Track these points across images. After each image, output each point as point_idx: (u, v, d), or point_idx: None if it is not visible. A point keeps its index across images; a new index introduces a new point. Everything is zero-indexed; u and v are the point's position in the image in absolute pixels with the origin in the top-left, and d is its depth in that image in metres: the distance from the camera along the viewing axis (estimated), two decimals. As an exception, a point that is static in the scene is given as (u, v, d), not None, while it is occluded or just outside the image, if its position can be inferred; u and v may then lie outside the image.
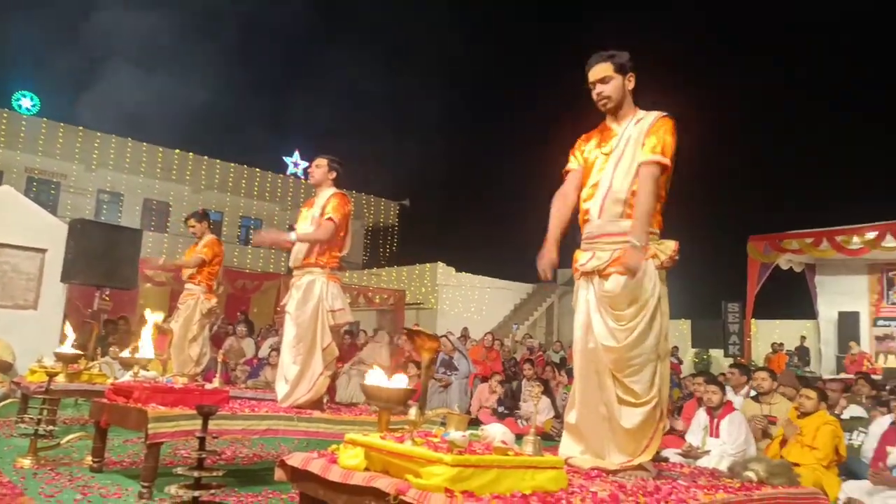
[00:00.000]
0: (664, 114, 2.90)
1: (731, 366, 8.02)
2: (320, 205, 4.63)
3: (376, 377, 2.52)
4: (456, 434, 2.02)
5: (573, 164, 3.10)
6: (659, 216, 2.91)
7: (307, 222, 4.68)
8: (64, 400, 5.99)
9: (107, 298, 8.51)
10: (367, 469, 2.16)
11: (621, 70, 2.93)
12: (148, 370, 4.23)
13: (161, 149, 22.94)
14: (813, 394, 5.20)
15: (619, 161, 2.88)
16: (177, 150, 23.28)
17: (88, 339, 6.65)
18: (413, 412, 2.17)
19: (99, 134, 21.75)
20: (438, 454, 1.95)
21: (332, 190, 4.70)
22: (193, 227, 6.51)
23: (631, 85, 2.95)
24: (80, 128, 21.52)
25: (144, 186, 22.78)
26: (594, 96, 2.97)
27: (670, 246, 2.83)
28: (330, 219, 4.48)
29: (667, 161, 2.81)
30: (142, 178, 22.48)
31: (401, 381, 2.46)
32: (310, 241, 4.51)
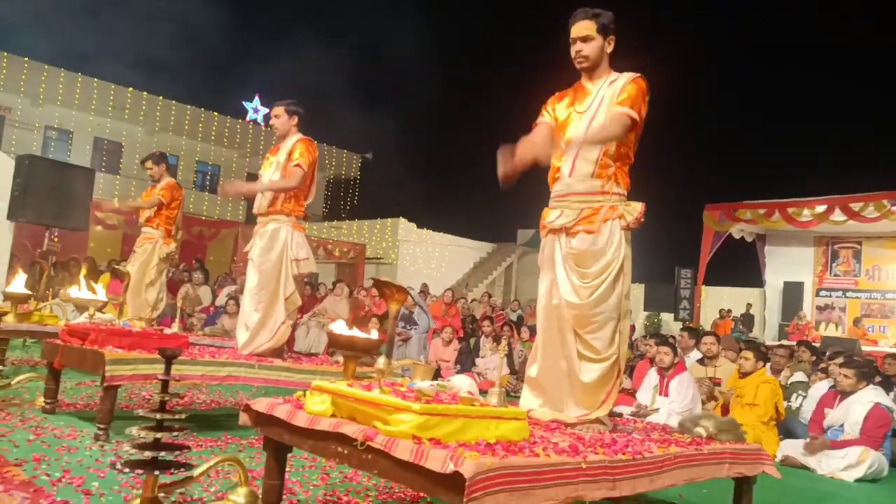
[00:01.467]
0: (638, 74, 2.90)
1: (681, 329, 8.31)
2: (286, 150, 4.52)
3: (343, 327, 2.53)
4: (424, 384, 2.04)
5: (545, 117, 3.07)
6: (626, 177, 2.93)
7: (272, 168, 4.57)
8: (12, 341, 5.82)
9: (56, 240, 8.23)
10: (333, 415, 2.17)
11: (603, 31, 2.90)
12: (104, 313, 4.12)
13: (114, 86, 21.94)
14: (750, 354, 5.45)
15: (592, 121, 2.88)
16: (130, 89, 22.32)
17: (38, 279, 6.43)
18: (381, 361, 2.18)
19: (47, 67, 20.66)
20: (407, 402, 1.97)
21: (298, 135, 4.58)
22: (151, 169, 6.29)
23: (610, 48, 2.93)
24: (26, 59, 20.40)
25: (95, 125, 21.86)
26: (572, 52, 2.94)
27: (637, 207, 2.86)
28: (298, 165, 4.38)
29: (636, 116, 2.80)
30: (92, 115, 21.55)
31: (366, 332, 2.46)
32: (279, 191, 4.42)
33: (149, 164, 6.34)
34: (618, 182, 2.86)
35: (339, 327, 2.52)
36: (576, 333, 2.81)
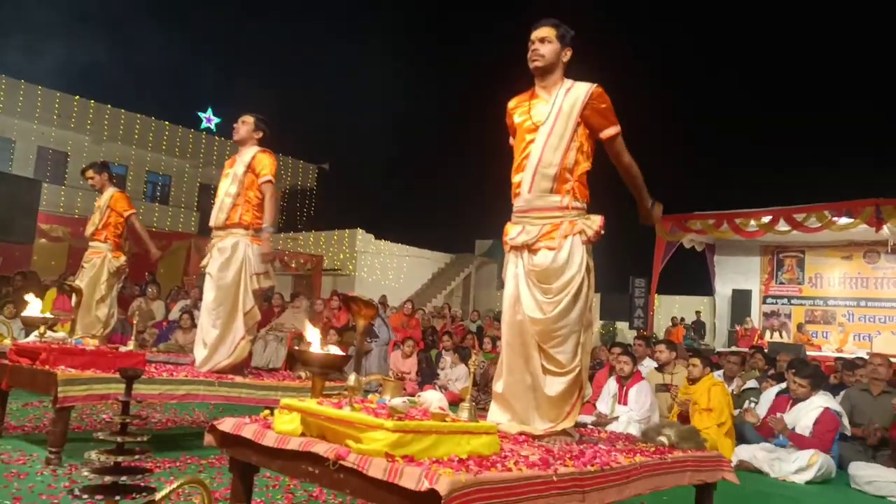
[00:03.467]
0: (595, 85, 2.94)
1: (635, 338, 8.48)
2: (244, 162, 4.47)
3: (316, 343, 2.49)
4: (396, 400, 2.03)
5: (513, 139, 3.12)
6: (585, 189, 2.97)
7: (229, 181, 4.50)
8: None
9: (-4, 252, 7.91)
10: (303, 434, 2.14)
11: (562, 39, 2.97)
12: (56, 331, 3.97)
13: (58, 93, 21.22)
14: (697, 361, 5.62)
15: (550, 135, 2.90)
16: (76, 97, 21.61)
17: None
18: (352, 378, 2.16)
19: (-15, 73, 19.88)
20: (380, 420, 1.96)
21: (256, 148, 4.54)
22: (92, 178, 6.05)
23: (566, 58, 3.00)
24: (-37, 64, 19.61)
25: (39, 133, 21.06)
26: (529, 52, 3.00)
27: (596, 221, 2.92)
28: (269, 181, 4.41)
29: (619, 127, 2.94)
30: (36, 124, 20.77)
31: (335, 348, 2.44)
32: (273, 213, 4.45)
33: (90, 173, 6.11)
34: (576, 196, 2.91)
35: (312, 344, 2.48)
36: (540, 348, 2.84)
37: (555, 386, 2.84)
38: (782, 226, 13.49)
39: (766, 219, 13.73)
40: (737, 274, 16.34)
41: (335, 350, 2.45)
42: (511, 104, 3.12)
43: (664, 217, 14.57)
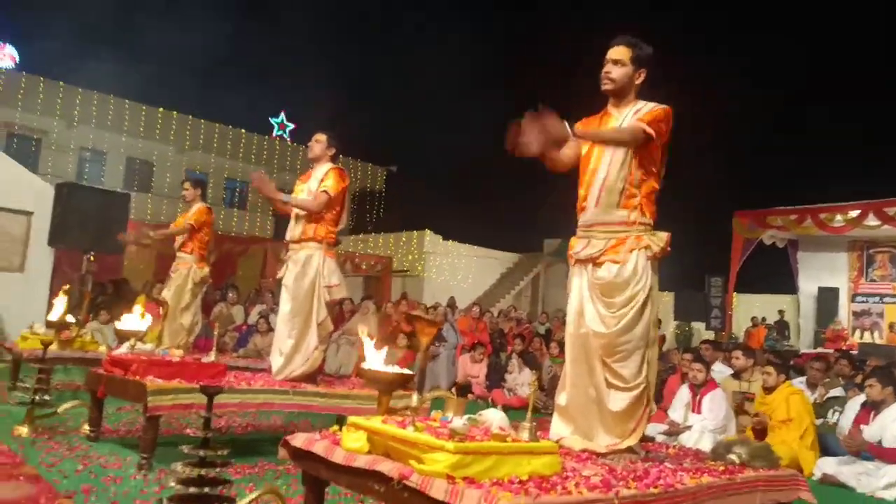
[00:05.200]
0: (664, 105, 2.93)
1: (702, 342, 8.21)
2: (317, 178, 4.63)
3: (373, 360, 2.58)
4: (458, 422, 2.09)
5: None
6: (653, 206, 2.97)
7: (303, 195, 4.67)
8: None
9: (92, 258, 8.49)
10: (369, 452, 2.23)
11: (637, 61, 2.95)
12: (144, 342, 4.26)
13: (144, 106, 22.52)
14: (772, 369, 5.39)
15: (616, 150, 2.92)
16: (160, 109, 22.86)
17: (79, 305, 6.64)
18: (414, 398, 2.24)
19: (80, 90, 21.29)
20: (441, 441, 2.02)
21: (330, 165, 4.70)
22: (187, 190, 6.49)
23: (639, 80, 2.97)
24: (61, 83, 21.04)
25: (127, 145, 22.42)
26: (602, 72, 2.99)
27: (663, 238, 2.91)
28: (325, 192, 4.49)
29: (651, 132, 2.83)
30: (125, 136, 22.12)
31: (397, 367, 2.52)
32: (301, 209, 4.51)
33: (187, 185, 6.53)
34: (643, 212, 2.90)
35: (370, 360, 2.56)
36: (603, 362, 2.84)
37: (619, 401, 2.83)
38: (871, 220, 12.74)
39: (854, 213, 13.01)
40: (822, 271, 15.51)
41: (397, 369, 2.53)
42: (580, 122, 3.10)
43: (741, 213, 14.19)
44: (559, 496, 1.96)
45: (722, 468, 2.76)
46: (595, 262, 2.91)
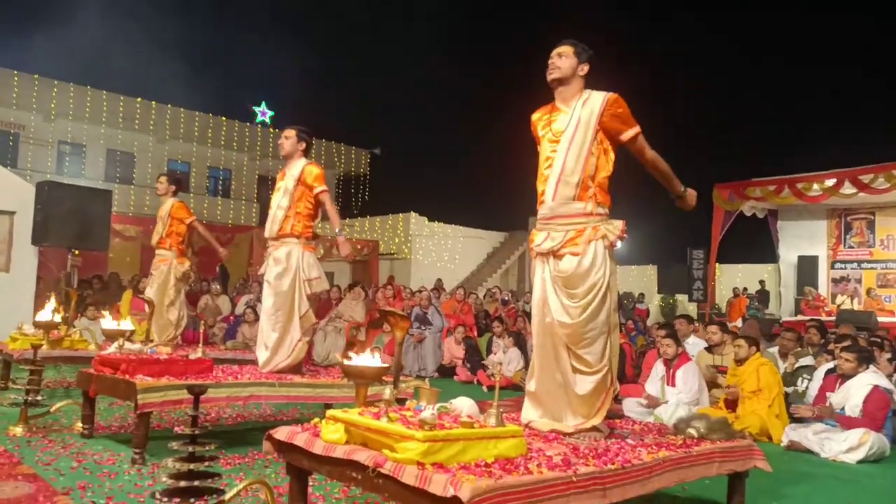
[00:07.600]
0: (610, 93, 3.06)
1: (677, 317, 8.44)
2: (294, 176, 4.73)
3: (359, 358, 2.72)
4: (426, 413, 2.25)
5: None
6: (607, 194, 3.11)
7: (280, 193, 4.78)
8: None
9: (76, 253, 8.55)
10: (347, 443, 2.39)
11: (579, 55, 3.11)
12: (133, 341, 4.38)
13: (122, 97, 22.24)
14: (742, 342, 5.62)
15: (571, 144, 3.05)
16: (139, 99, 22.61)
17: (67, 304, 6.73)
18: (387, 392, 2.39)
19: (56, 82, 21.02)
20: (411, 431, 2.18)
21: (304, 160, 4.79)
22: (161, 184, 6.54)
23: (583, 72, 3.12)
24: (36, 76, 20.76)
25: (107, 137, 22.20)
26: (548, 62, 3.14)
27: (618, 225, 3.06)
28: (324, 191, 4.69)
29: (637, 129, 3.06)
30: (104, 128, 21.90)
31: (375, 360, 2.67)
32: (336, 216, 4.82)
33: (162, 179, 6.58)
34: (598, 202, 3.04)
35: (352, 357, 2.71)
36: (569, 349, 3.00)
37: (584, 385, 3.00)
38: (847, 188, 12.96)
39: (830, 182, 13.22)
40: (802, 239, 15.79)
41: (376, 361, 2.68)
42: (535, 116, 3.27)
43: (721, 186, 14.38)
44: (521, 476, 2.12)
45: (680, 442, 2.95)
46: (556, 254, 3.06)
